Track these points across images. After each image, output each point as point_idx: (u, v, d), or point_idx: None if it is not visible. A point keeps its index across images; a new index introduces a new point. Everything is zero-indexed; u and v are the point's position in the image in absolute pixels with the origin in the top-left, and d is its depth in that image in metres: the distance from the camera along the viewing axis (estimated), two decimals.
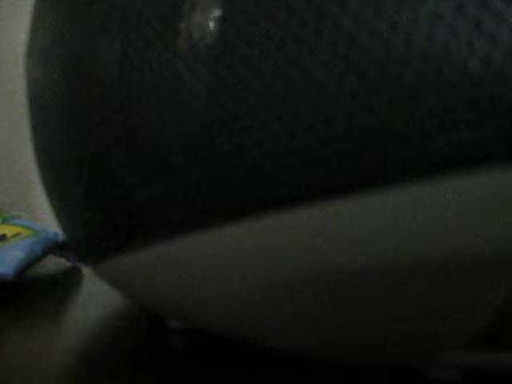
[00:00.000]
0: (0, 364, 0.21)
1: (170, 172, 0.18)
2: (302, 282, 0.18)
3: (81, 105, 0.20)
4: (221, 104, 0.17)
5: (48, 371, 0.21)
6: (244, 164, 0.17)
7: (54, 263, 0.37)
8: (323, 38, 0.16)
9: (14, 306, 0.28)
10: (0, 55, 0.59)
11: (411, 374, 0.22)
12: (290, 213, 0.17)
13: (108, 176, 0.20)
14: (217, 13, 0.17)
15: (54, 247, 0.36)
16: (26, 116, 0.58)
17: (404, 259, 0.17)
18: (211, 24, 0.17)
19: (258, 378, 0.21)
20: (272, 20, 0.16)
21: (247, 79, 0.17)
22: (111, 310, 0.28)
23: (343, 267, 0.17)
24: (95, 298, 0.29)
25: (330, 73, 0.16)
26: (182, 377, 0.21)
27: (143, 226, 0.19)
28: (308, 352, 0.21)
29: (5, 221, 0.37)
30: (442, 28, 0.15)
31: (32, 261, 0.32)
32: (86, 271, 0.36)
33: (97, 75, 0.19)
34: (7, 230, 0.35)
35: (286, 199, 0.17)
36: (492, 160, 0.15)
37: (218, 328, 0.22)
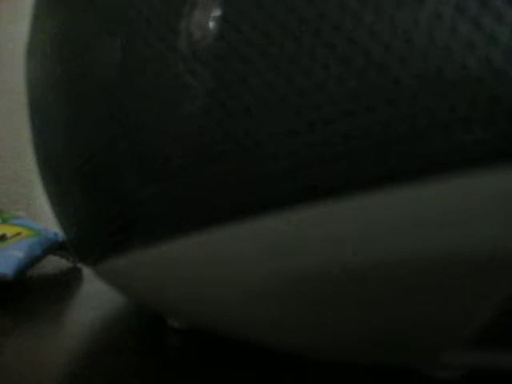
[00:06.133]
0: (0, 364, 0.21)
1: (169, 172, 0.18)
2: (303, 283, 0.18)
3: (81, 105, 0.20)
4: (221, 104, 0.17)
5: (48, 371, 0.21)
6: (244, 164, 0.17)
7: (54, 263, 0.37)
8: (323, 38, 0.16)
9: (13, 306, 0.28)
10: (0, 55, 0.59)
11: (411, 374, 0.22)
12: (289, 213, 0.17)
13: (108, 176, 0.20)
14: (217, 13, 0.17)
15: (54, 247, 0.36)
16: (25, 116, 0.58)
17: (404, 259, 0.17)
18: (211, 24, 0.17)
19: (258, 378, 0.21)
20: (272, 20, 0.16)
21: (247, 79, 0.17)
22: (111, 310, 0.28)
23: (343, 267, 0.17)
24: (95, 298, 0.29)
25: (330, 73, 0.16)
26: (182, 377, 0.21)
27: (143, 226, 0.19)
28: (308, 352, 0.21)
29: (5, 221, 0.37)
30: (442, 28, 0.15)
31: (32, 261, 0.32)
32: (86, 271, 0.36)
33: (97, 75, 0.19)
34: (7, 229, 0.35)
35: (285, 199, 0.17)
36: (492, 160, 0.15)
37: (218, 328, 0.22)
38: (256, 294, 0.19)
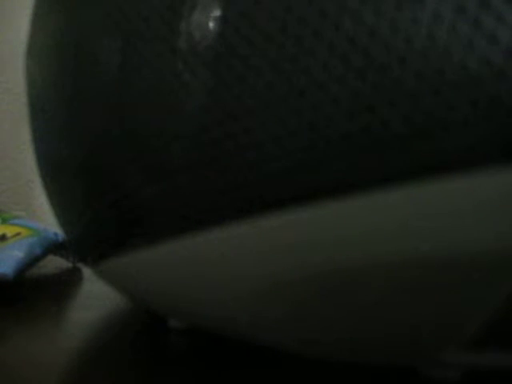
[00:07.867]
0: (0, 364, 0.21)
1: (169, 172, 0.18)
2: (303, 282, 0.18)
3: (81, 105, 0.20)
4: (220, 104, 0.17)
5: (48, 371, 0.21)
6: (244, 164, 0.17)
7: (54, 263, 0.37)
8: (323, 38, 0.16)
9: (14, 306, 0.28)
10: (0, 55, 0.59)
11: (411, 374, 0.22)
12: (290, 213, 0.17)
13: (108, 176, 0.20)
14: (217, 13, 0.17)
15: (54, 247, 0.36)
16: (26, 116, 0.58)
17: (404, 259, 0.17)
18: (211, 24, 0.17)
19: (258, 378, 0.21)
20: (272, 20, 0.16)
21: (247, 79, 0.17)
22: (111, 310, 0.28)
23: (344, 267, 0.17)
24: (95, 298, 0.29)
25: (330, 73, 0.16)
26: (182, 377, 0.21)
27: (143, 225, 0.19)
28: (308, 352, 0.21)
29: (5, 221, 0.37)
30: (442, 28, 0.15)
31: (32, 261, 0.32)
32: (86, 271, 0.36)
33: (97, 75, 0.19)
34: (7, 229, 0.35)
35: (286, 199, 0.17)
36: (492, 160, 0.15)
37: (218, 328, 0.22)
38: (256, 294, 0.19)
